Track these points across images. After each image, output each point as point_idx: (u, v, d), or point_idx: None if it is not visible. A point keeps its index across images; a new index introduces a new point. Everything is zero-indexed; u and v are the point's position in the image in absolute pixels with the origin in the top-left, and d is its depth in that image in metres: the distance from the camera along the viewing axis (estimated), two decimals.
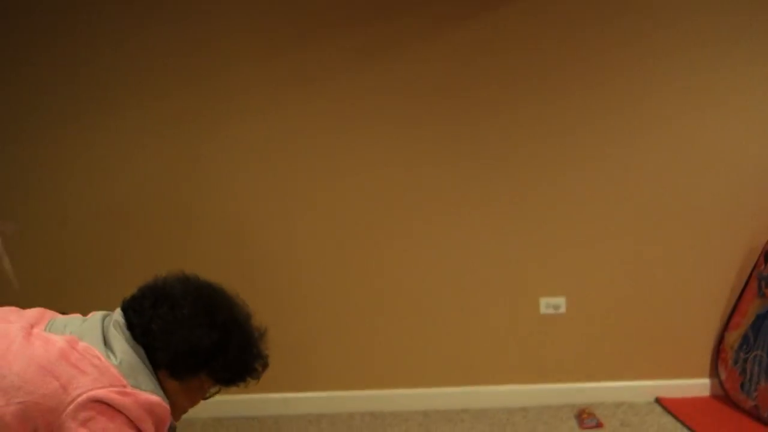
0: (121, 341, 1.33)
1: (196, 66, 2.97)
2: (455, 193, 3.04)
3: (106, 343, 1.33)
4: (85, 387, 1.23)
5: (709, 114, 2.98)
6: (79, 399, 1.22)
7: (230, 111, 3.00)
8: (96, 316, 1.42)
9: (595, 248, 3.05)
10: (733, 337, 3.03)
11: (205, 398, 1.47)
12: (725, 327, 3.07)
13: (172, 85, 2.98)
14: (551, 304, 3.08)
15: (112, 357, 1.30)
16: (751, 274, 3.01)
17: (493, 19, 2.93)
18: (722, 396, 3.07)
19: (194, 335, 1.34)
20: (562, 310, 3.08)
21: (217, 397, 1.53)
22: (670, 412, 2.98)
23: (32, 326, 1.37)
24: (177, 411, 1.42)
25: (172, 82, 2.98)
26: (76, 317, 1.44)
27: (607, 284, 3.07)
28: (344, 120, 3.00)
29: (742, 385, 2.95)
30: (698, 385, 3.13)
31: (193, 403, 1.45)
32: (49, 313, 1.46)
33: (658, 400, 3.10)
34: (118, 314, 1.40)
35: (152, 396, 1.28)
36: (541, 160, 3.02)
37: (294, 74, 2.97)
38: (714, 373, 3.11)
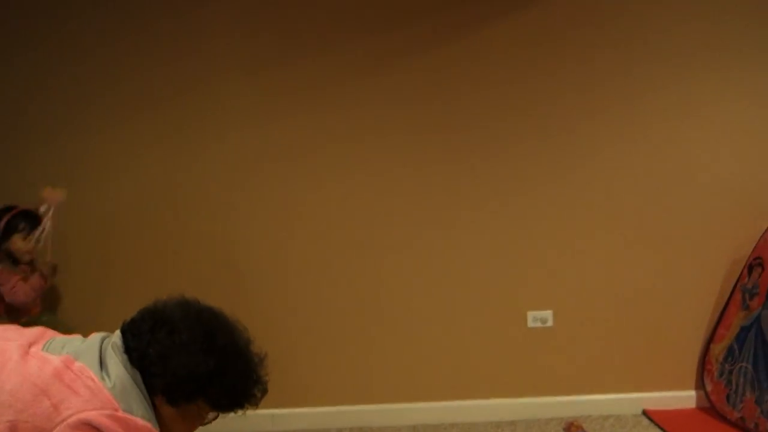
0: (117, 364, 1.32)
1: (187, 77, 2.98)
2: (442, 208, 3.05)
3: (102, 364, 1.32)
4: (76, 408, 1.22)
5: (695, 126, 3.03)
6: (69, 420, 1.21)
7: (221, 123, 3.00)
8: (95, 337, 1.41)
9: (582, 262, 3.07)
10: (719, 349, 3.05)
11: (203, 424, 1.45)
12: (710, 339, 3.09)
13: (164, 96, 2.98)
14: (539, 317, 3.09)
15: (106, 379, 1.29)
16: (735, 287, 3.04)
17: (487, 33, 2.98)
18: (708, 408, 3.09)
19: (191, 362, 1.33)
20: (550, 323, 3.09)
21: None
22: (657, 424, 3.00)
23: (30, 345, 1.36)
24: None
25: (164, 92, 2.98)
26: (76, 338, 1.43)
27: (593, 298, 3.08)
28: (335, 133, 3.02)
29: (727, 397, 2.97)
30: (685, 397, 3.15)
31: (190, 429, 1.43)
32: (50, 333, 1.46)
33: (645, 413, 3.11)
34: (116, 336, 1.39)
35: (142, 422, 1.27)
36: (527, 174, 3.04)
37: (283, 86, 2.99)
38: (700, 385, 3.14)
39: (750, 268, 2.97)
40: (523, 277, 3.08)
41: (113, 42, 2.97)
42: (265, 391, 1.45)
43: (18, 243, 2.68)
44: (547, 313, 3.09)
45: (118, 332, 1.40)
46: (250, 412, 1.43)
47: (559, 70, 3.00)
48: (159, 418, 1.34)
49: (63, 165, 3.01)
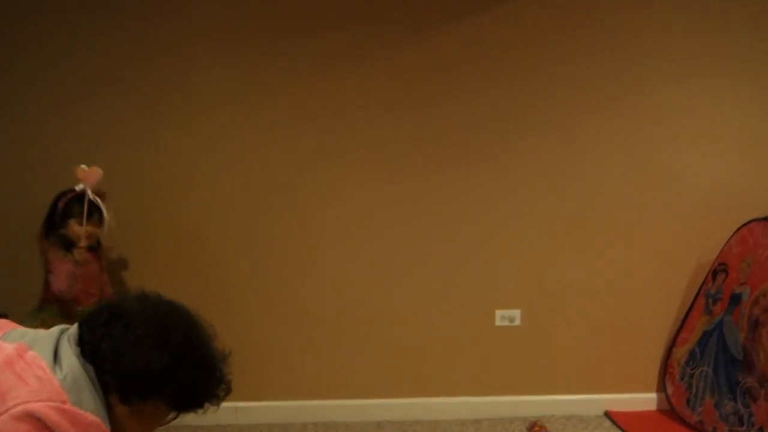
0: (70, 356, 1.26)
1: (166, 69, 2.91)
2: (409, 206, 3.04)
3: (56, 355, 1.27)
4: (22, 398, 1.18)
5: (663, 132, 3.06)
6: (14, 410, 1.16)
7: (195, 111, 2.94)
8: (55, 328, 1.36)
9: (550, 262, 3.09)
10: (681, 353, 3.10)
11: (162, 424, 1.39)
12: (673, 343, 3.14)
13: (147, 84, 2.92)
14: (506, 316, 3.11)
15: (58, 371, 1.24)
16: (698, 292, 3.09)
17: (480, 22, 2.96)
18: (669, 410, 3.14)
19: (143, 358, 1.26)
20: (517, 322, 3.11)
21: None
22: (618, 426, 3.03)
23: None
24: None
25: (146, 81, 2.91)
26: (38, 330, 1.38)
27: (561, 298, 3.11)
28: (312, 134, 2.98)
29: (688, 400, 3.02)
30: (646, 399, 3.19)
31: (148, 429, 1.37)
32: (12, 325, 1.41)
33: (607, 414, 3.15)
34: (74, 328, 1.34)
35: (90, 416, 1.22)
36: (496, 174, 3.04)
37: (261, 78, 2.94)
38: (661, 387, 3.18)
39: (714, 273, 3.03)
40: (492, 276, 3.09)
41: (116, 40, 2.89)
42: (228, 390, 1.39)
43: (75, 228, 2.57)
44: (515, 312, 3.10)
45: (76, 324, 1.35)
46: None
47: (538, 73, 3.00)
48: (113, 417, 1.28)
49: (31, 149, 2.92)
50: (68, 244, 2.60)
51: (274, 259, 3.01)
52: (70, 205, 2.58)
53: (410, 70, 2.96)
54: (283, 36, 2.92)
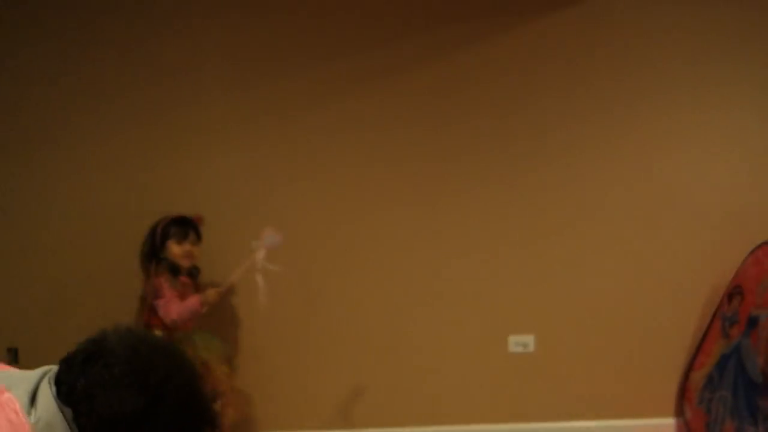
0: (47, 397, 1.19)
1: (169, 95, 2.95)
2: (421, 228, 3.02)
3: (34, 397, 1.20)
4: None
5: (677, 154, 3.04)
6: None
7: (203, 141, 2.96)
8: (40, 369, 1.29)
9: (564, 287, 3.06)
10: (699, 377, 3.05)
11: None
12: (690, 366, 3.09)
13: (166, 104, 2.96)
14: (520, 342, 3.07)
15: (33, 414, 1.17)
16: (714, 314, 3.04)
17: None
18: None
19: (116, 400, 1.18)
20: (531, 348, 3.06)
21: None
22: None
23: None
24: None
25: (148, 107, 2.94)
26: (23, 372, 1.31)
27: (575, 323, 3.07)
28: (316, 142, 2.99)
29: (707, 425, 2.97)
30: (664, 425, 3.13)
31: None
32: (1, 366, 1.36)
33: None
34: (56, 368, 1.27)
35: None
36: (509, 198, 3.03)
37: (269, 104, 2.97)
38: (680, 412, 3.12)
39: (730, 296, 2.98)
40: (504, 301, 3.06)
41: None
42: (216, 430, 1.31)
43: (173, 248, 2.64)
44: (529, 338, 3.06)
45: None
46: None
47: (559, 95, 3.00)
48: None
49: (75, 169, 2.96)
50: (174, 270, 2.65)
51: (286, 289, 2.98)
52: (168, 227, 2.66)
53: (430, 90, 2.98)
54: (305, 59, 2.96)
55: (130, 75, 2.93)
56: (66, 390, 1.20)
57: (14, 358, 2.85)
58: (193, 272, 2.74)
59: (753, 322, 2.84)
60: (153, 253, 2.67)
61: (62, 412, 1.18)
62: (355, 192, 3.00)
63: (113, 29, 2.92)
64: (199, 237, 2.72)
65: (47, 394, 1.20)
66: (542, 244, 3.04)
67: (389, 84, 2.97)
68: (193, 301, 2.63)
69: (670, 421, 3.14)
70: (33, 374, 1.26)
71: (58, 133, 2.95)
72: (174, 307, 2.59)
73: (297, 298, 3.00)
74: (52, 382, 1.22)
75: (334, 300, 3.02)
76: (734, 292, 2.97)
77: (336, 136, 2.98)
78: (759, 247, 2.92)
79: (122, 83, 2.94)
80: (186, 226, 2.68)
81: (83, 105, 2.94)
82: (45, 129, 2.95)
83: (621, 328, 3.08)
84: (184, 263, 2.68)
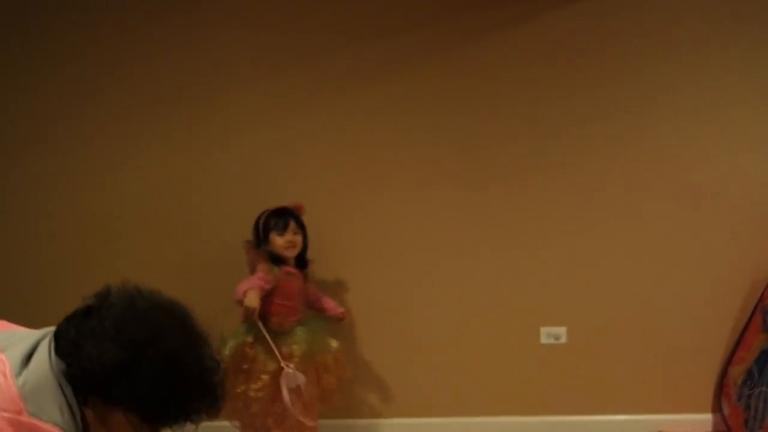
0: (41, 357, 1.15)
1: (199, 83, 2.97)
2: (453, 221, 2.99)
3: (29, 357, 1.15)
4: None
5: (715, 144, 2.94)
6: None
7: (226, 128, 2.99)
8: (47, 328, 1.24)
9: (597, 278, 3.00)
10: (737, 372, 2.96)
11: None
12: (729, 361, 3.01)
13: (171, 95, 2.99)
14: (552, 333, 3.02)
15: (22, 375, 1.12)
16: (755, 308, 2.95)
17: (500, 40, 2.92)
18: None
19: (97, 350, 1.12)
20: (563, 340, 3.02)
21: None
22: None
23: None
24: None
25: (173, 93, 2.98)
26: (30, 331, 1.27)
27: (608, 315, 3.01)
28: (341, 142, 2.99)
29: (746, 422, 2.88)
30: (701, 421, 3.05)
31: None
32: (9, 326, 1.33)
33: None
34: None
35: (49, 427, 1.10)
36: (544, 188, 2.98)
37: (293, 92, 2.97)
38: (717, 408, 3.04)
39: None
40: (536, 292, 3.01)
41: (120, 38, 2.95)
42: (215, 406, 1.20)
43: (276, 240, 2.64)
44: (561, 330, 3.02)
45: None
46: (220, 425, 1.24)
47: (597, 89, 2.91)
48: (85, 424, 1.16)
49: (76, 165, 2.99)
50: (277, 260, 2.65)
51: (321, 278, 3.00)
52: (268, 220, 2.67)
53: (465, 76, 2.93)
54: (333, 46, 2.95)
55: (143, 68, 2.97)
56: (63, 345, 1.16)
57: None
58: (300, 262, 2.71)
59: None
60: (259, 247, 2.67)
61: (55, 371, 1.14)
62: (382, 177, 2.98)
63: (114, 25, 2.96)
64: (301, 226, 2.69)
65: (44, 351, 1.15)
66: (576, 236, 2.98)
67: (418, 69, 2.93)
68: (264, 275, 2.56)
69: (707, 417, 3.06)
70: (35, 333, 1.23)
71: (58, 133, 3.00)
72: (247, 280, 2.54)
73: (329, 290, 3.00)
74: (52, 337, 1.19)
75: (365, 295, 3.01)
76: None
77: (360, 121, 2.97)
78: None
79: (128, 78, 2.98)
80: (286, 217, 2.66)
81: (82, 98, 2.98)
82: (44, 129, 3.00)
83: (656, 320, 3.01)
84: (289, 254, 2.66)
